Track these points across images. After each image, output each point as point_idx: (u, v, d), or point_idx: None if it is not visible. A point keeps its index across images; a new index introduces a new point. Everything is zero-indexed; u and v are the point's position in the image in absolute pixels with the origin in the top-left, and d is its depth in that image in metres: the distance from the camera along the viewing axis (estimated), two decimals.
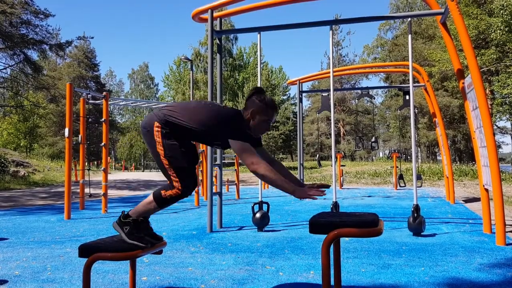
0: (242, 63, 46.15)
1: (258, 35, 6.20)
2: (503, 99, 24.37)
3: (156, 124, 2.52)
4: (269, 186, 16.60)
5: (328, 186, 2.47)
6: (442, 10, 5.57)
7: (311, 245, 4.70)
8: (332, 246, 2.35)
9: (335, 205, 5.79)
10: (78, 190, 8.88)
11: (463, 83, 5.68)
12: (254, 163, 2.40)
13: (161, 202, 2.53)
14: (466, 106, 5.69)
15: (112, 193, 13.68)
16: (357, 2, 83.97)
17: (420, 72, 10.23)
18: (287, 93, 47.04)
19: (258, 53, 6.30)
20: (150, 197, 2.55)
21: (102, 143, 8.27)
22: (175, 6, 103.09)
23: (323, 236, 2.21)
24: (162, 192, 2.53)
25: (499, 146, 43.77)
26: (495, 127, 30.89)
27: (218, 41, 6.35)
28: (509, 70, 21.70)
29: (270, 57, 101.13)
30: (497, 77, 23.52)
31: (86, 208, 8.91)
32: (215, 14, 6.22)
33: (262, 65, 42.24)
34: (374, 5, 78.37)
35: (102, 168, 8.18)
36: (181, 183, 2.51)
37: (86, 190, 8.94)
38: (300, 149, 11.09)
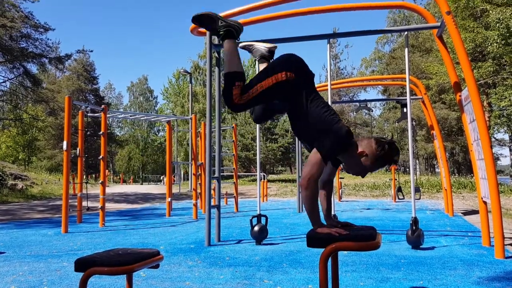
0: None
1: None
2: (500, 111, 24.44)
3: (288, 73, 2.42)
4: (268, 199, 16.63)
5: (352, 225, 2.45)
6: (439, 24, 5.63)
7: (310, 258, 4.68)
8: (330, 260, 2.34)
9: (334, 218, 5.77)
10: (76, 203, 8.84)
11: (460, 96, 5.72)
12: (309, 181, 2.27)
13: (227, 80, 2.42)
14: (463, 118, 5.72)
15: (110, 206, 13.60)
16: (354, 16, 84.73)
17: (418, 85, 10.29)
18: None
19: (257, 66, 6.34)
20: (232, 67, 2.48)
21: (100, 156, 8.26)
22: (174, 20, 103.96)
23: (321, 250, 2.20)
24: (237, 83, 2.40)
25: (497, 159, 43.78)
26: (493, 139, 30.95)
27: (216, 54, 6.40)
28: (506, 82, 21.81)
29: None
30: (494, 89, 23.63)
31: (83, 222, 8.86)
32: None
33: None
34: (372, 18, 79.16)
35: (100, 181, 8.16)
36: (248, 100, 2.41)
37: (84, 204, 8.89)
38: (298, 162, 11.07)
